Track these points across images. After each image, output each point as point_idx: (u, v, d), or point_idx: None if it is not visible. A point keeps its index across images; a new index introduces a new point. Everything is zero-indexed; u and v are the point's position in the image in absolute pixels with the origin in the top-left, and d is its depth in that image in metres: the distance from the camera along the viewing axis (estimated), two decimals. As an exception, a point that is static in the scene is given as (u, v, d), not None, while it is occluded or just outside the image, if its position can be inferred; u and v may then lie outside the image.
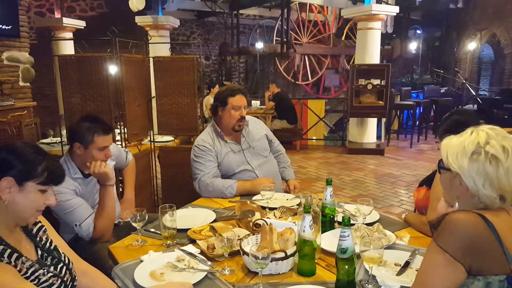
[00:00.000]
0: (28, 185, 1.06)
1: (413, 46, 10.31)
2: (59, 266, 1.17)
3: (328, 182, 1.55)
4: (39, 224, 1.22)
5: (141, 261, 1.35)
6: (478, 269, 0.89)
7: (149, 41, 2.74)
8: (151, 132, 2.97)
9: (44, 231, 1.22)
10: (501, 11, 8.96)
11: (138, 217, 1.51)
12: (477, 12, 9.69)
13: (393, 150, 6.52)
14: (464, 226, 0.90)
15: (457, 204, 1.02)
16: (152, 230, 1.63)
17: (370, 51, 6.37)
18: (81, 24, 6.95)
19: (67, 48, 6.68)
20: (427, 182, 1.72)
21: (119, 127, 2.68)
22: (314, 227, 1.27)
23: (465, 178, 0.96)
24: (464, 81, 7.80)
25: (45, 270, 1.11)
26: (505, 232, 0.91)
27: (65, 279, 1.17)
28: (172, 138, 3.58)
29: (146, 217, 1.54)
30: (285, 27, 8.60)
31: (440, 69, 10.21)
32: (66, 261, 1.21)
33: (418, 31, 10.34)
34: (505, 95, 7.90)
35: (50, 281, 1.10)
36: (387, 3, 7.46)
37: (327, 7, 9.65)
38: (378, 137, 6.75)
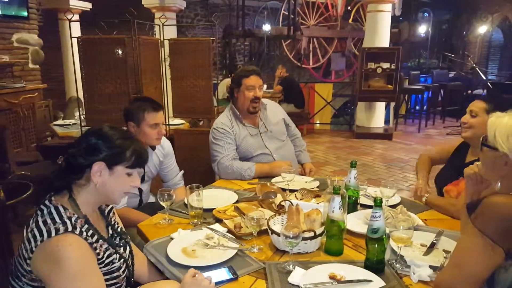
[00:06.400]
0: (117, 169, 1.10)
1: (422, 29, 10.10)
2: (128, 249, 1.21)
3: (353, 165, 1.56)
4: (110, 206, 1.26)
5: (171, 238, 1.39)
6: None
7: (164, 23, 2.71)
8: (166, 114, 2.97)
9: (114, 213, 1.27)
10: (513, -7, 8.75)
11: (166, 196, 1.55)
12: (489, -6, 9.46)
13: (401, 134, 6.51)
14: (503, 210, 0.91)
15: (499, 184, 1.02)
16: (178, 209, 1.67)
17: (380, 34, 6.27)
18: (87, 6, 6.84)
19: (74, 30, 6.59)
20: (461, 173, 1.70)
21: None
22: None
23: None
24: (474, 65, 7.67)
25: (118, 255, 1.14)
26: None
27: (129, 263, 1.20)
28: (183, 122, 3.59)
29: (174, 197, 1.57)
30: (292, 9, 8.43)
31: (448, 53, 10.04)
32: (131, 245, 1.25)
33: (426, 14, 10.12)
34: (516, 80, 7.80)
35: (119, 264, 1.14)
36: (398, -15, 7.29)
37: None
38: (386, 121, 6.72)
